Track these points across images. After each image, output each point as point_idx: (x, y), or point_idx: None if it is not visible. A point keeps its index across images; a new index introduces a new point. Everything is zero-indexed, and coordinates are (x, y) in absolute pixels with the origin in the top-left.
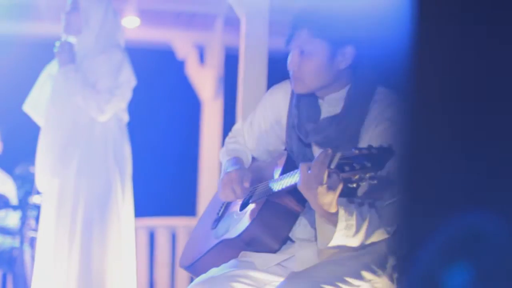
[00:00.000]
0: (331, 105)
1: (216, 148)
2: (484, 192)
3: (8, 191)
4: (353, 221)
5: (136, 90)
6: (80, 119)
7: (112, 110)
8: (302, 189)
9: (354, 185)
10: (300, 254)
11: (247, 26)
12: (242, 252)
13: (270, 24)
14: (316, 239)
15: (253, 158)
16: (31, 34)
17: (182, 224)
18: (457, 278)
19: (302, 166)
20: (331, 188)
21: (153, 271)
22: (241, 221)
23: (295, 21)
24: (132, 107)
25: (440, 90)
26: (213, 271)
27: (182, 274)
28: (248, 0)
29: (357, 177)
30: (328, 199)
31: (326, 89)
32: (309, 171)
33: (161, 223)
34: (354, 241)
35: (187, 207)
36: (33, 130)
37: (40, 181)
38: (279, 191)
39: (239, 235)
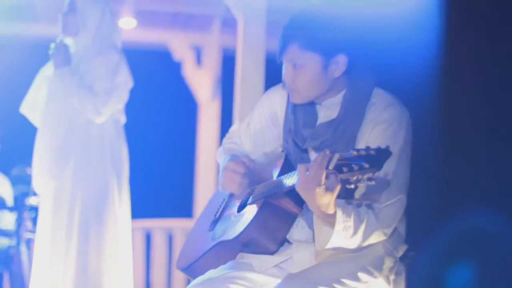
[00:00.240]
0: (328, 109)
1: (213, 149)
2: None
3: (4, 192)
4: (350, 222)
5: (132, 92)
6: (77, 120)
7: (109, 112)
8: (300, 190)
9: (352, 186)
10: (298, 255)
11: (244, 27)
12: (240, 254)
13: (267, 25)
14: (313, 241)
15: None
16: (27, 35)
17: (178, 225)
18: (459, 277)
19: (300, 167)
20: (329, 189)
21: (149, 272)
22: (238, 222)
23: (284, 35)
24: (129, 109)
25: (467, 94)
26: (211, 273)
27: (178, 276)
28: (245, 1)
29: (355, 178)
30: (326, 200)
31: (323, 95)
32: (307, 172)
33: (158, 225)
34: (352, 243)
35: (183, 208)
36: (30, 132)
37: (37, 183)
38: (277, 193)
39: (237, 237)
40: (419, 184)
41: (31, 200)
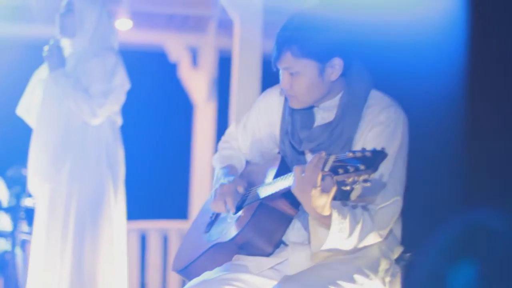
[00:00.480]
0: (325, 112)
1: (208, 151)
2: None
3: None
4: (346, 224)
5: (128, 93)
6: (73, 122)
7: (106, 114)
8: (296, 191)
9: (348, 188)
10: (294, 257)
11: (240, 28)
12: (236, 256)
13: (263, 26)
14: (309, 243)
15: (247, 162)
16: (22, 37)
17: (174, 227)
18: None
19: (296, 168)
20: (324, 190)
21: (144, 274)
22: (234, 224)
23: (278, 43)
24: (124, 110)
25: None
26: (206, 275)
27: (173, 277)
28: (241, 2)
29: (350, 180)
30: (321, 201)
31: (321, 99)
32: (303, 174)
33: (153, 226)
34: (347, 244)
35: (179, 210)
36: (26, 132)
37: (32, 185)
38: (273, 194)
39: (233, 239)
40: (416, 186)
41: (27, 201)
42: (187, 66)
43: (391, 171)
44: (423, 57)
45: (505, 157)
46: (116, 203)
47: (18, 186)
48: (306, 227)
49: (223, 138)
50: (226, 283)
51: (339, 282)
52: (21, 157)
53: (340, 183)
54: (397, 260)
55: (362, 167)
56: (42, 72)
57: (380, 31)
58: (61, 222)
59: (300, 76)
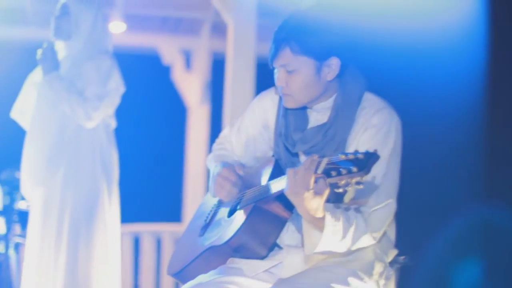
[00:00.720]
0: (319, 114)
1: (202, 154)
2: None
3: None
4: (339, 226)
5: (121, 96)
6: (67, 125)
7: (100, 117)
8: (289, 194)
9: (341, 190)
10: (288, 260)
11: (234, 31)
12: (230, 259)
13: (257, 29)
14: (303, 245)
15: (241, 165)
16: (17, 39)
17: (167, 230)
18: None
19: (289, 171)
20: (318, 193)
21: (138, 277)
22: (229, 227)
23: (276, 39)
24: (117, 113)
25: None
26: (201, 278)
27: (167, 280)
28: (235, 5)
29: (343, 182)
30: (314, 204)
31: (316, 100)
32: (296, 176)
33: (146, 229)
34: (341, 247)
35: (172, 213)
36: (19, 135)
37: (26, 188)
38: (266, 197)
39: (227, 242)
40: (412, 188)
41: (20, 205)
42: (181, 69)
43: (384, 173)
44: (443, 61)
45: None
46: (110, 205)
47: (12, 189)
48: (300, 230)
49: (217, 141)
50: (220, 286)
51: (334, 285)
52: (15, 160)
53: (333, 186)
54: (392, 263)
55: (354, 169)
56: (36, 75)
57: (399, 37)
58: (55, 225)
59: (297, 73)
